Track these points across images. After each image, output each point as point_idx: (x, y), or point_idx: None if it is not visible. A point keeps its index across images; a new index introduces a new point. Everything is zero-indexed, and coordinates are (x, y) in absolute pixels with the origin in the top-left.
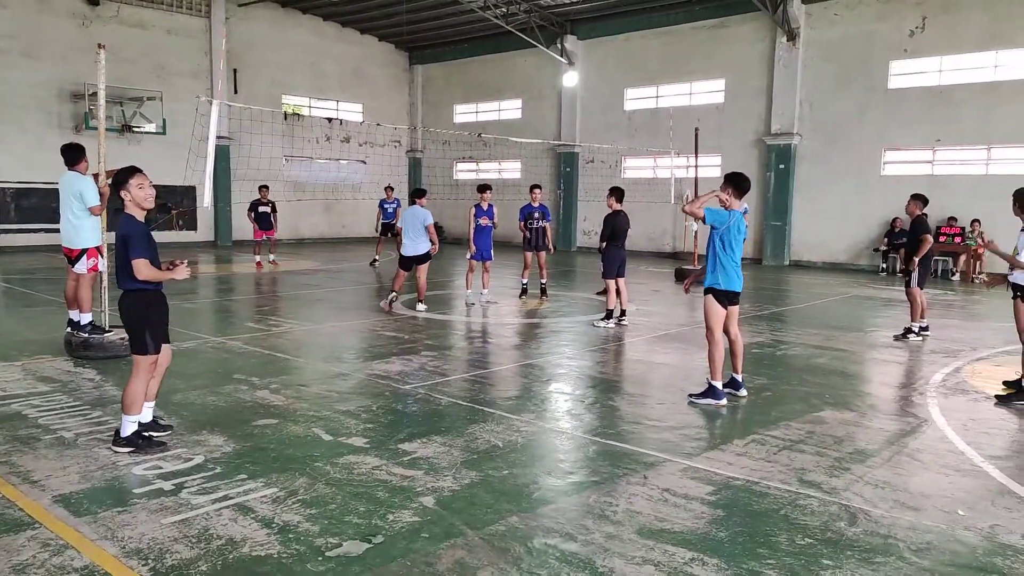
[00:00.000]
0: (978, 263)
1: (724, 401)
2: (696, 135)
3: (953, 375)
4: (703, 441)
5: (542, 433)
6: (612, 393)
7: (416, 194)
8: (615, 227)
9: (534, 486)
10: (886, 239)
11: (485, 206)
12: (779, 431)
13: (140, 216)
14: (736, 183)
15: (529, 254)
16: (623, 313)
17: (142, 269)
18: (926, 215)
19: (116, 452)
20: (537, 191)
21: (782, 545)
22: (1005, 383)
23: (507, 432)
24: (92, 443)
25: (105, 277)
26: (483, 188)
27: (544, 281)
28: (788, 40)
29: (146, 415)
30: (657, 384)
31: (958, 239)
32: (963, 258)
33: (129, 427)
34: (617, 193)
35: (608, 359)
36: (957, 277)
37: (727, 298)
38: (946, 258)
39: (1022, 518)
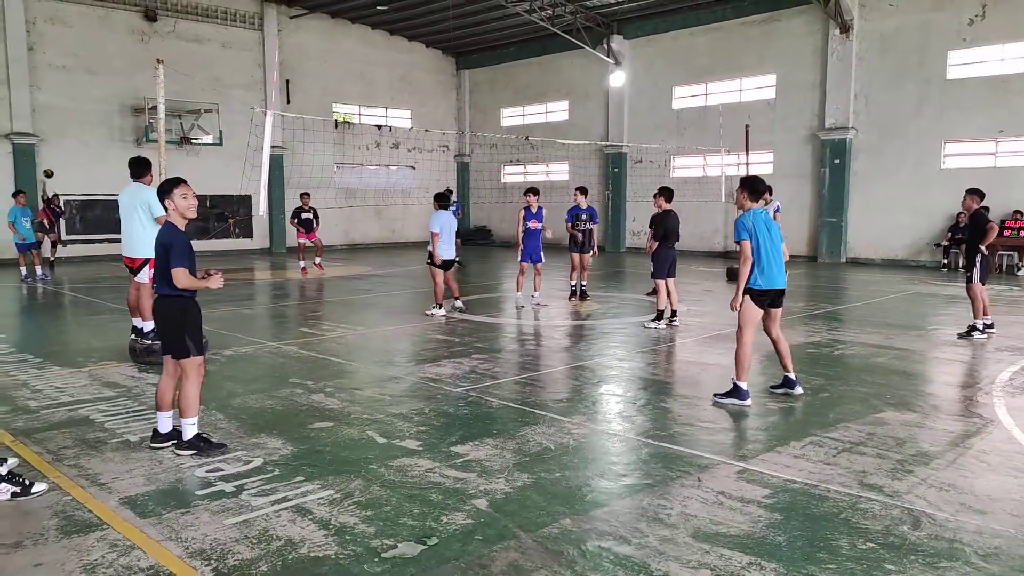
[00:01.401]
0: None
1: (749, 401)
2: (747, 132)
3: (1020, 374)
4: (759, 443)
5: (593, 435)
6: (664, 395)
7: (441, 198)
8: (666, 227)
9: (586, 488)
10: (949, 234)
11: (534, 209)
12: (838, 433)
13: (181, 225)
14: (750, 186)
15: (576, 256)
16: (674, 314)
17: (181, 278)
18: (986, 208)
19: (179, 455)
20: (582, 193)
21: (843, 550)
22: None
23: (558, 434)
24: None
25: None
26: (531, 191)
27: (585, 283)
28: (841, 32)
29: (166, 424)
30: (709, 385)
31: (1023, 233)
32: None
33: (190, 430)
34: (666, 193)
35: (659, 360)
36: (1023, 272)
37: (768, 298)
38: (1011, 252)
39: None
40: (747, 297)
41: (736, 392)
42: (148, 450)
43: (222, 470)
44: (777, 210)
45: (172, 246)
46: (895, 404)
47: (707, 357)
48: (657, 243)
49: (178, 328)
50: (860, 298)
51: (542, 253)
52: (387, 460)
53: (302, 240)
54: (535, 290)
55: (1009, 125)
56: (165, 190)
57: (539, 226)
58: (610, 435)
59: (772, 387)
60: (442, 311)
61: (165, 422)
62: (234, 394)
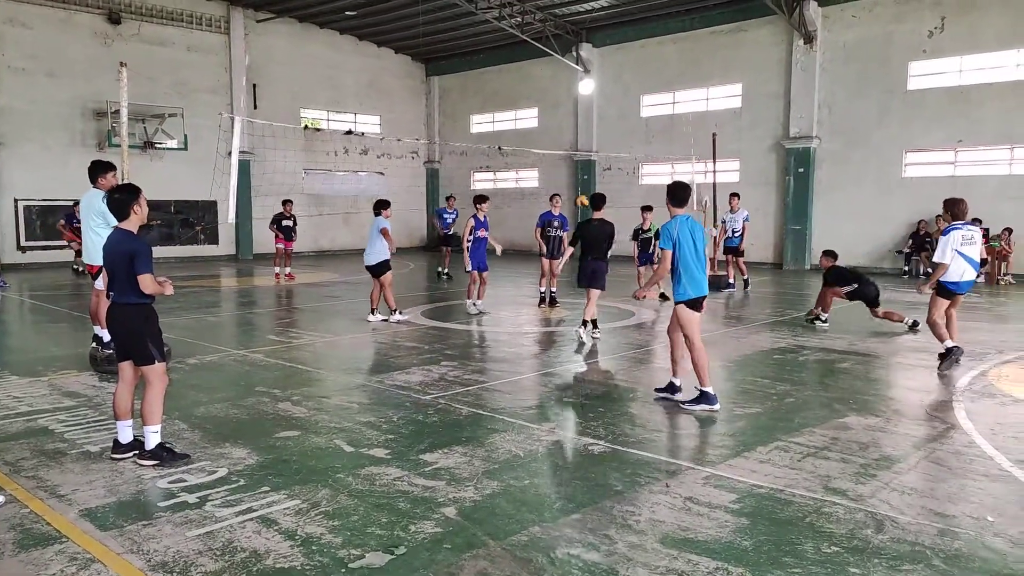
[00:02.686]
0: (1004, 264)
1: (717, 406)
2: (714, 140)
3: (980, 378)
4: (726, 448)
5: (563, 442)
6: (633, 401)
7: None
8: (582, 236)
9: (555, 495)
10: (910, 241)
11: (482, 217)
12: (803, 437)
13: (136, 232)
14: (671, 194)
15: (546, 262)
16: (589, 324)
17: (149, 284)
18: (838, 268)
19: (141, 465)
20: (558, 199)
21: (808, 554)
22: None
23: (528, 442)
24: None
25: None
26: (480, 199)
27: (555, 290)
28: (805, 43)
29: (126, 435)
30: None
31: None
32: (988, 259)
33: (153, 439)
34: (595, 200)
35: (629, 367)
36: (982, 279)
37: (699, 304)
38: None
39: None
40: (682, 307)
41: (704, 398)
42: (109, 461)
43: (185, 481)
44: (746, 219)
45: (139, 253)
46: (858, 409)
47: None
48: (571, 250)
49: (140, 335)
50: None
51: (487, 262)
52: (355, 469)
53: (279, 246)
54: (479, 298)
55: (968, 135)
56: (132, 198)
57: (486, 235)
58: (579, 441)
59: (657, 389)
60: (382, 318)
61: (125, 432)
62: (198, 403)
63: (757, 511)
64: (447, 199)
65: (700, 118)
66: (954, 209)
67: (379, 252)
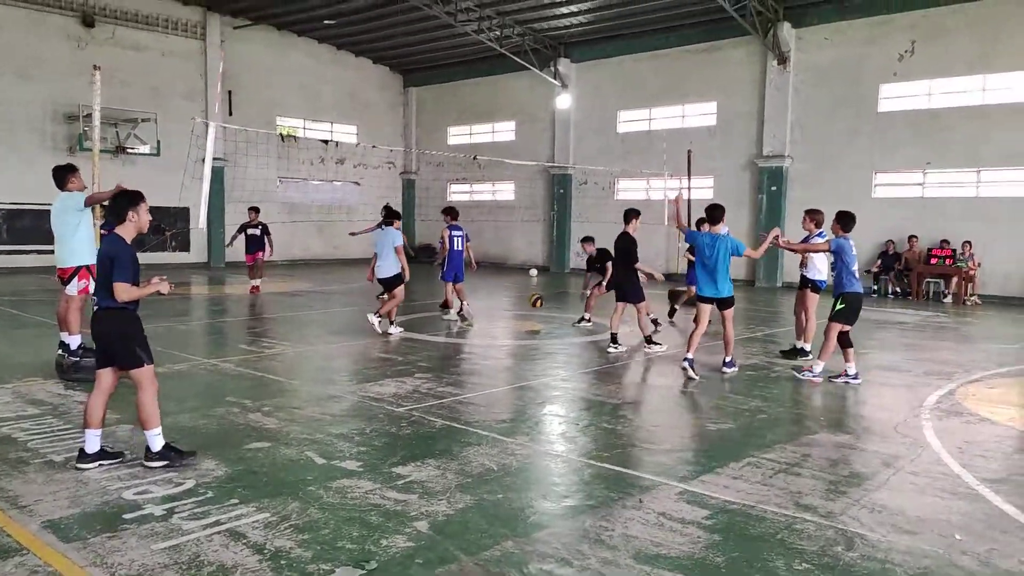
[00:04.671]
0: (970, 285)
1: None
2: (689, 157)
3: (947, 397)
4: (698, 464)
5: (536, 456)
6: (607, 416)
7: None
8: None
9: (529, 510)
10: (879, 261)
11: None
12: (774, 454)
13: (130, 239)
14: (707, 213)
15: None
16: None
17: (122, 293)
18: (602, 249)
19: (150, 467)
20: (451, 216)
21: (779, 570)
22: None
23: (501, 455)
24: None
25: None
26: (449, 211)
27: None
28: (779, 64)
29: (93, 444)
30: (652, 407)
31: (949, 261)
32: (955, 280)
33: (157, 442)
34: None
35: (602, 381)
36: (949, 299)
37: (705, 300)
38: (938, 280)
39: (1018, 542)
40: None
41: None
42: (73, 471)
43: (152, 492)
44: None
45: (119, 259)
46: (829, 426)
47: (650, 378)
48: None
49: (126, 340)
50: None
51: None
52: (326, 482)
53: (249, 262)
54: (452, 308)
55: (936, 157)
56: (132, 202)
57: (462, 246)
58: (553, 456)
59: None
60: (385, 327)
61: (93, 441)
62: (167, 413)
63: (729, 527)
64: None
65: (676, 135)
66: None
67: (393, 265)
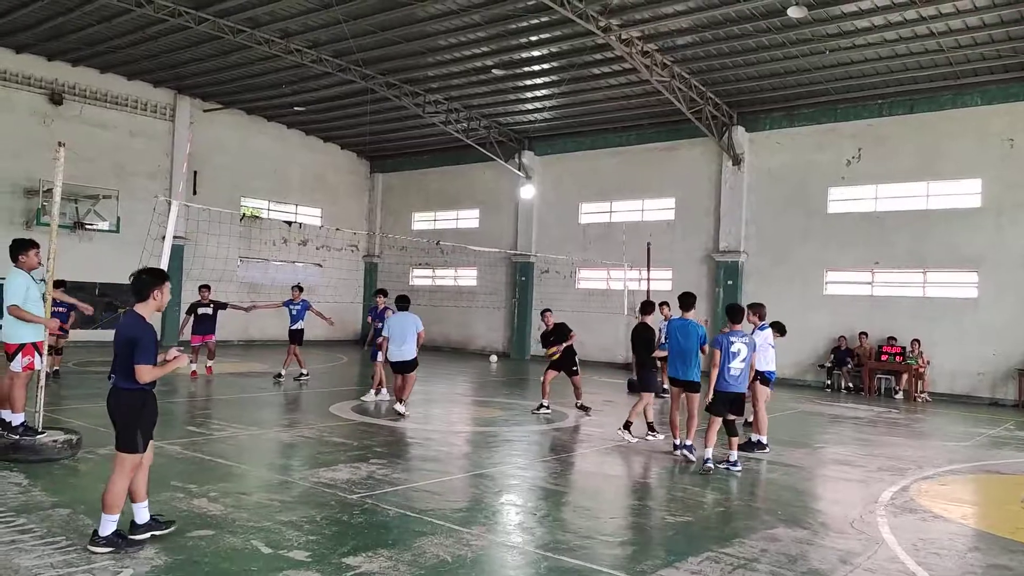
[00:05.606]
0: (920, 382)
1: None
2: (648, 250)
3: (901, 493)
4: (657, 558)
5: (492, 547)
6: (564, 506)
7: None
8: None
9: None
10: (832, 356)
11: (380, 309)
12: (733, 548)
13: (148, 317)
14: (680, 300)
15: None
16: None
17: (145, 374)
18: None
19: (94, 552)
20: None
21: None
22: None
23: (456, 546)
24: (14, 553)
25: (43, 376)
26: (380, 292)
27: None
28: (734, 164)
29: (143, 515)
30: (610, 497)
31: (899, 358)
32: (905, 377)
33: (109, 526)
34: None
35: (560, 470)
36: (900, 395)
37: (676, 383)
38: (888, 376)
39: None
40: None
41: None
42: (3, 557)
43: None
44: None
45: (140, 341)
46: (787, 520)
47: (608, 468)
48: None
49: (133, 422)
50: (751, 415)
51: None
52: (271, 572)
53: (196, 343)
54: (384, 388)
55: (883, 257)
56: (156, 281)
57: (380, 325)
58: (509, 547)
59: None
60: (379, 397)
61: (142, 513)
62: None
63: None
64: (293, 289)
65: (635, 228)
66: (761, 311)
67: (413, 348)
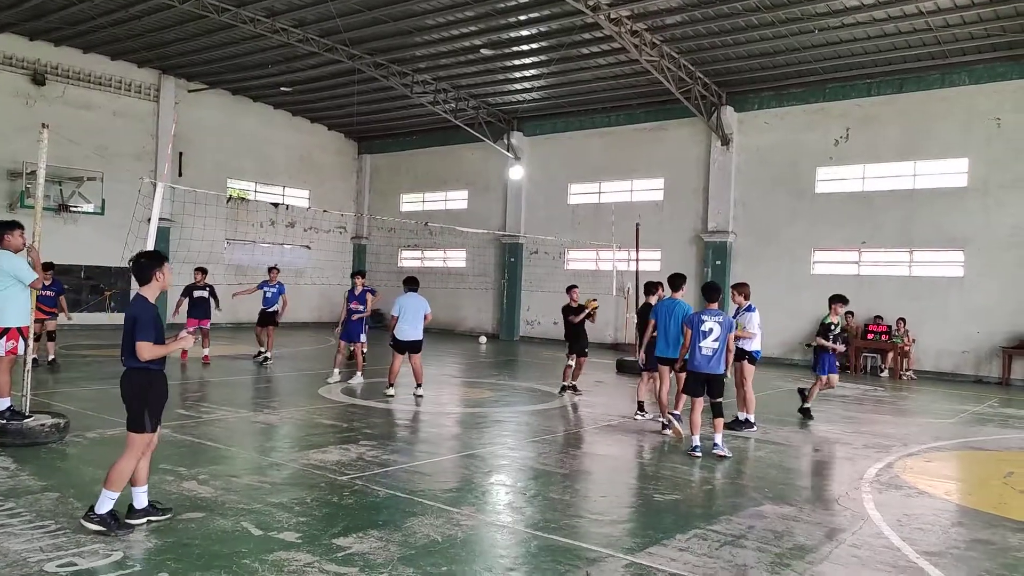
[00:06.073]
0: (905, 360)
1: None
2: (637, 230)
3: (886, 470)
4: (645, 536)
5: (482, 527)
6: (554, 485)
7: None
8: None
9: None
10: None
11: (357, 291)
12: (720, 525)
13: (152, 299)
14: (668, 281)
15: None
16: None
17: (144, 352)
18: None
19: (87, 527)
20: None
21: None
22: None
23: (447, 526)
24: (3, 537)
25: (29, 360)
26: (358, 274)
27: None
28: (722, 144)
29: (141, 500)
30: (599, 477)
31: (885, 337)
32: (891, 355)
33: (107, 504)
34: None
35: (550, 450)
36: (886, 373)
37: (665, 361)
38: (874, 355)
39: None
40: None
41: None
42: None
43: (76, 565)
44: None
45: (140, 319)
46: (773, 497)
47: (597, 448)
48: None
49: (140, 402)
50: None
51: (362, 335)
52: (262, 554)
53: (192, 328)
54: (342, 368)
55: (871, 237)
56: (156, 263)
57: (360, 308)
58: (499, 527)
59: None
60: (392, 391)
61: (140, 497)
62: (96, 480)
63: None
64: (270, 271)
65: (624, 208)
66: (745, 291)
67: (422, 329)
